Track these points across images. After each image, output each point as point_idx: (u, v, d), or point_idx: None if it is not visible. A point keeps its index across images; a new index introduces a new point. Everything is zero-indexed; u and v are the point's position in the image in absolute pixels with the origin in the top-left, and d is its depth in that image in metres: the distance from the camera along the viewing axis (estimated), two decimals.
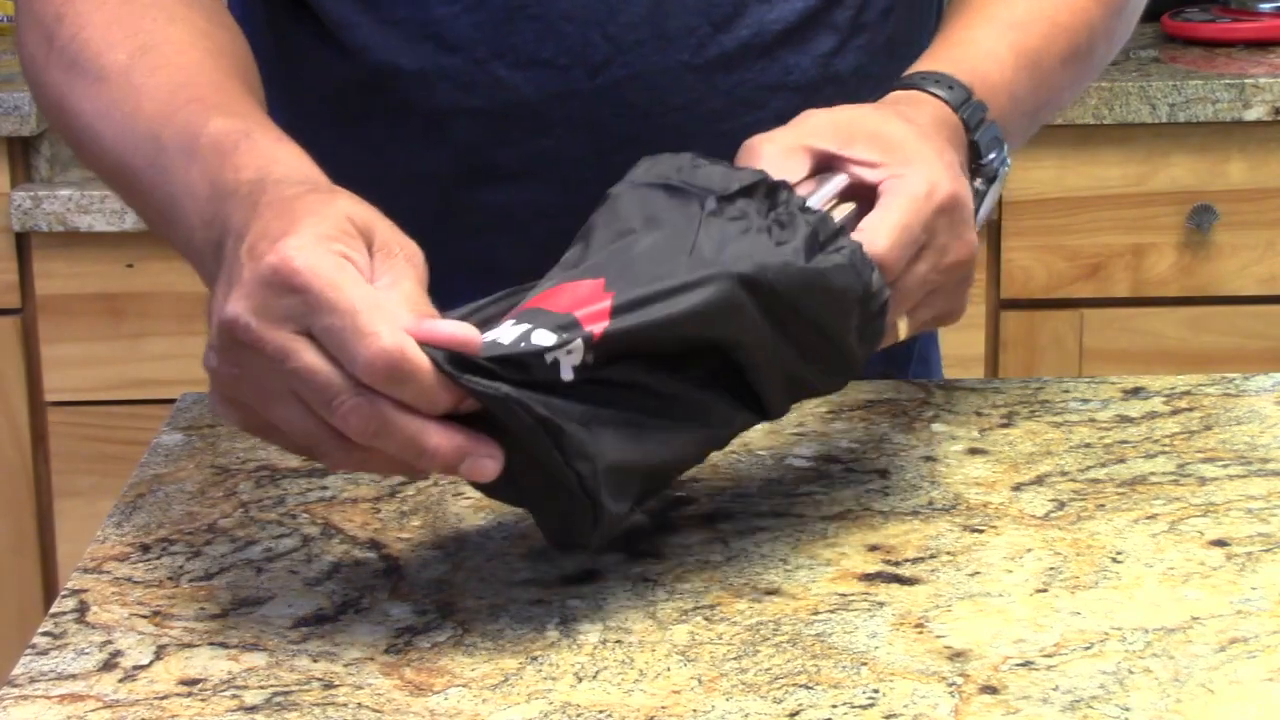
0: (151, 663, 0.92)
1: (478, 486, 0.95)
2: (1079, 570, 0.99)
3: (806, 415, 1.18)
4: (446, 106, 1.15)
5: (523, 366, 0.90)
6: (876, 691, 0.88)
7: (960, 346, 2.35)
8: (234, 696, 0.89)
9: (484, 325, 0.92)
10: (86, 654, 0.93)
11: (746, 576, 0.99)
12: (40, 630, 0.95)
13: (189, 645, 0.93)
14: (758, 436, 1.15)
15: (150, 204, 1.05)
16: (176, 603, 0.98)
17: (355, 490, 1.10)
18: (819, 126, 1.04)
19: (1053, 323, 2.45)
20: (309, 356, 0.88)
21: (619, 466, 0.92)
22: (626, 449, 0.93)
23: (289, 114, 1.22)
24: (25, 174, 2.37)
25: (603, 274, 0.93)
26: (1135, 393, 1.22)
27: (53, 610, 0.97)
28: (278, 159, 0.98)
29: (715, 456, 1.05)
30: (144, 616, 0.96)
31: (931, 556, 1.01)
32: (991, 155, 1.11)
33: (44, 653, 0.93)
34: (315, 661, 0.92)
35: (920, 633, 0.93)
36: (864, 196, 1.02)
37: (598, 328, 0.91)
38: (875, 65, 1.20)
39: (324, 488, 1.10)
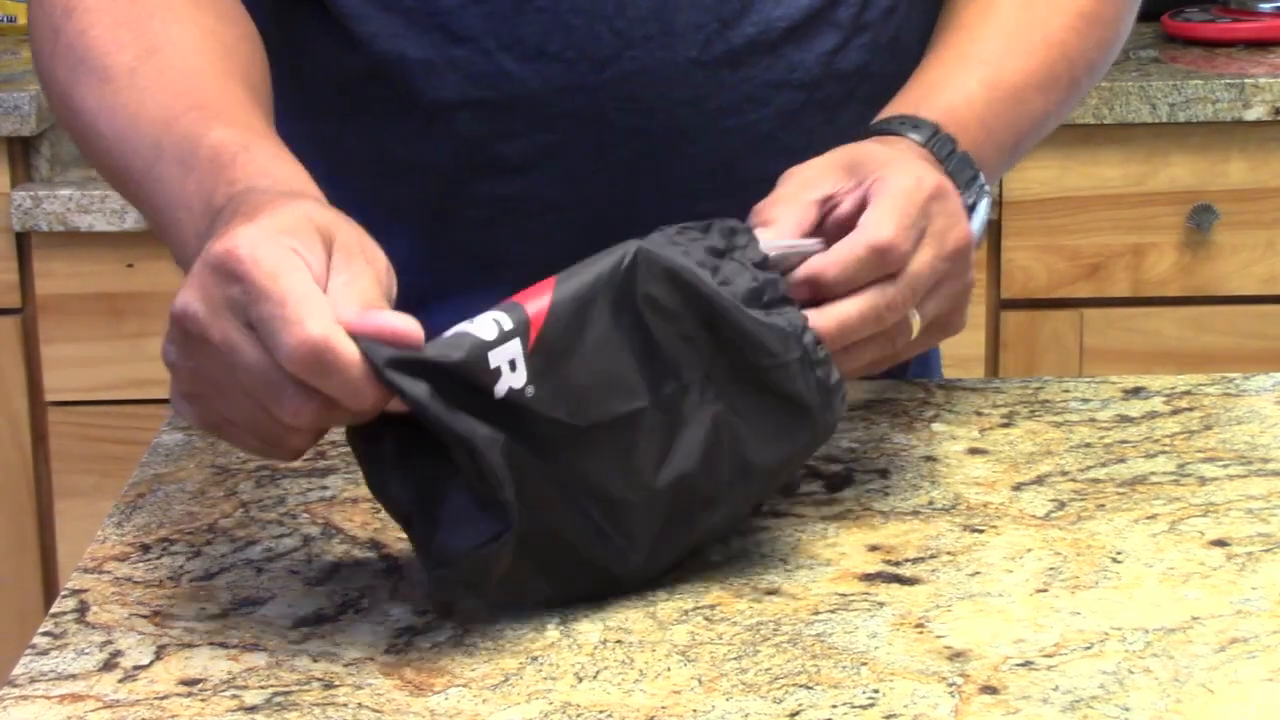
0: (151, 663, 0.92)
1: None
2: (1079, 570, 0.99)
3: None
4: (452, 97, 1.15)
5: (459, 373, 0.89)
6: (876, 691, 0.88)
7: (960, 346, 2.35)
8: (234, 696, 0.89)
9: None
10: (86, 654, 0.93)
11: (746, 576, 0.99)
12: (40, 630, 0.95)
13: (189, 645, 0.93)
14: None
15: (149, 209, 1.05)
16: (176, 603, 0.98)
17: (356, 490, 1.10)
18: (807, 180, 1.06)
19: (1053, 323, 2.45)
20: (251, 349, 0.88)
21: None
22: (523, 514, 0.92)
23: (294, 102, 1.22)
24: (25, 174, 2.37)
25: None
26: (1135, 393, 1.22)
27: (53, 610, 0.97)
28: (269, 172, 0.98)
29: None
30: (144, 616, 0.96)
31: (931, 556, 1.01)
32: (968, 188, 1.12)
33: (44, 653, 0.93)
34: (315, 661, 0.92)
35: (920, 633, 0.93)
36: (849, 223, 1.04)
37: (539, 304, 0.92)
38: (877, 63, 1.20)
39: (324, 488, 1.10)
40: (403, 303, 1.23)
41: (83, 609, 0.97)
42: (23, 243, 2.35)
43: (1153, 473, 1.11)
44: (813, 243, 1.04)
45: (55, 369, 2.38)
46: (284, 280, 0.87)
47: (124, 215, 2.30)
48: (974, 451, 1.14)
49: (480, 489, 0.90)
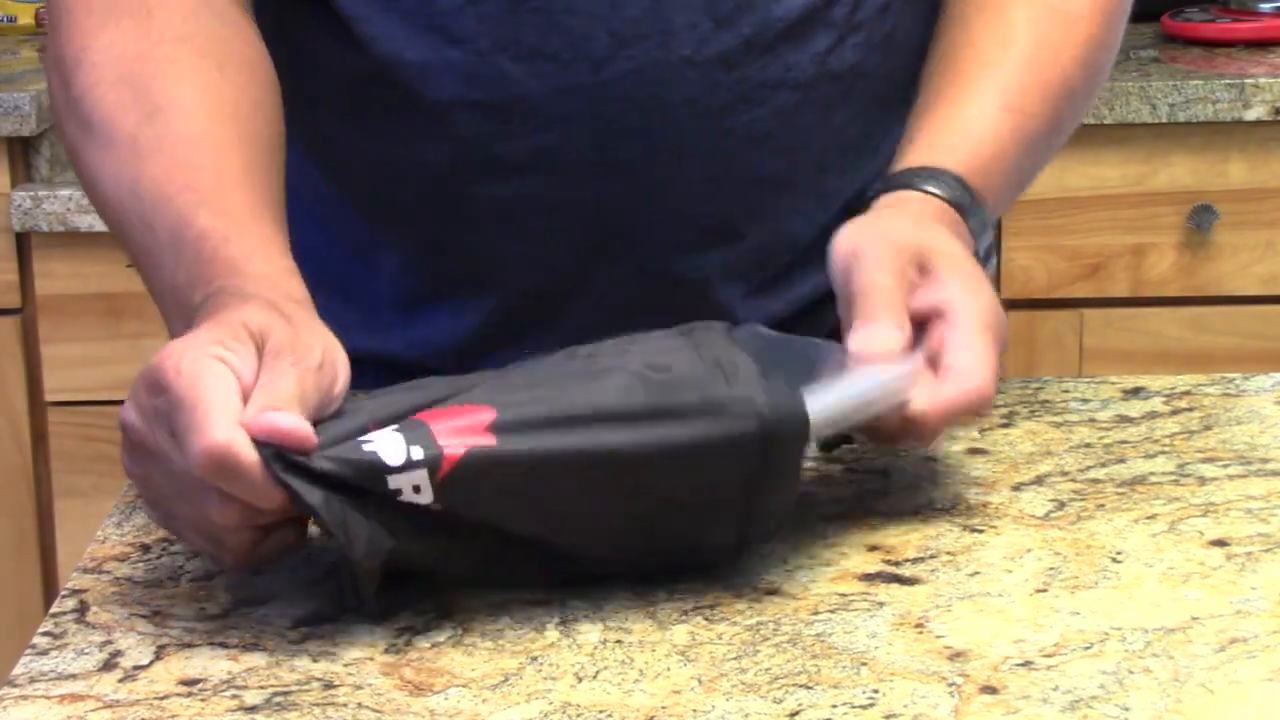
0: (151, 663, 0.92)
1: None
2: (1079, 570, 0.99)
3: None
4: (449, 99, 1.15)
5: (357, 485, 0.90)
6: (876, 691, 0.88)
7: None
8: (234, 696, 0.89)
9: (385, 422, 0.93)
10: (86, 654, 0.93)
11: (746, 576, 0.99)
12: (40, 630, 0.95)
13: (189, 645, 0.93)
14: None
15: (148, 286, 1.08)
16: (176, 603, 0.97)
17: None
18: (886, 275, 1.06)
19: (1053, 323, 2.45)
20: (178, 457, 0.91)
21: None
22: None
23: (294, 102, 1.22)
24: (25, 174, 2.37)
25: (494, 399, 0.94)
26: (1135, 393, 1.22)
27: (53, 610, 0.97)
28: (240, 269, 1.01)
29: None
30: (144, 616, 0.96)
31: (931, 556, 1.01)
32: (980, 237, 1.14)
33: (44, 653, 0.93)
34: (315, 661, 0.92)
35: (920, 633, 0.93)
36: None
37: (458, 446, 0.91)
38: (872, 62, 1.20)
39: None
40: (401, 304, 1.23)
41: (83, 609, 0.97)
42: (23, 243, 2.35)
43: (1152, 473, 1.11)
44: (908, 370, 1.03)
45: (55, 369, 2.38)
46: (198, 388, 0.90)
47: None
48: (974, 451, 1.14)
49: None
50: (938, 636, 0.93)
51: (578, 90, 1.14)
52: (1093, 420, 1.18)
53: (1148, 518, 1.05)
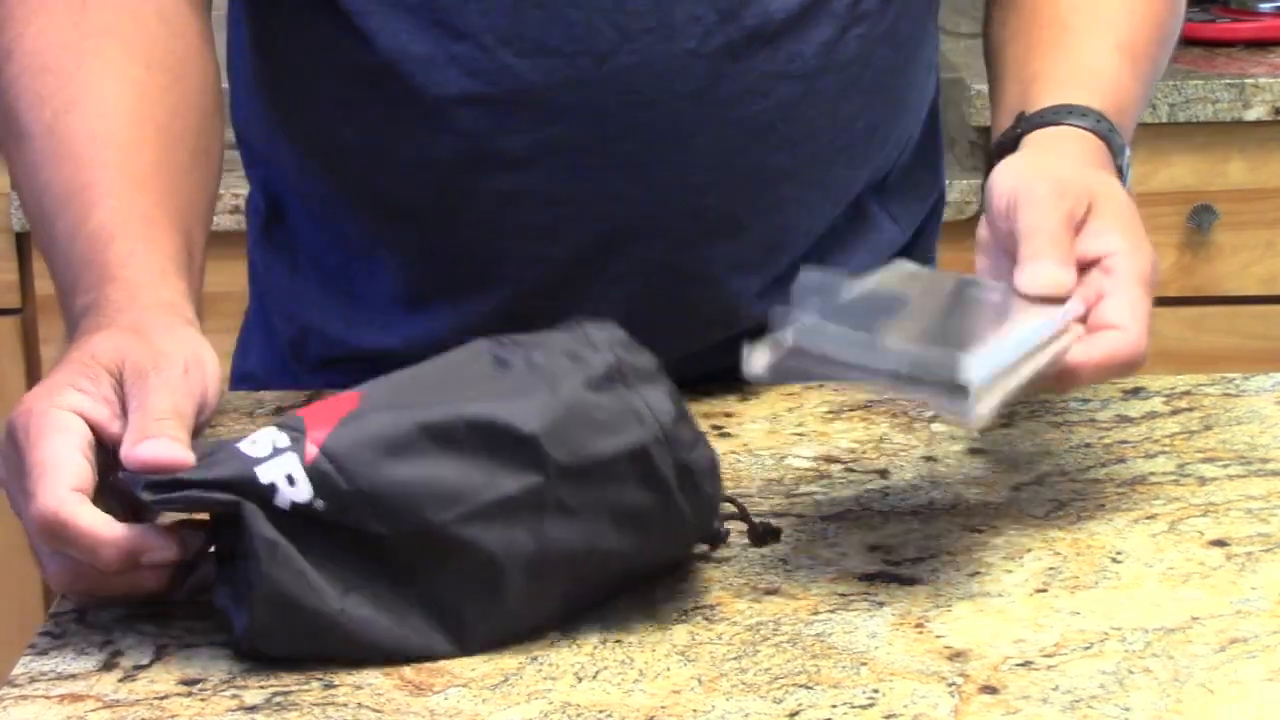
0: (151, 663, 0.92)
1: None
2: (1079, 570, 0.99)
3: (806, 415, 1.18)
4: (453, 93, 1.16)
5: (234, 489, 0.89)
6: (876, 691, 0.88)
7: None
8: (234, 696, 0.89)
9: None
10: (86, 654, 0.93)
11: (746, 576, 0.99)
12: (40, 630, 0.95)
13: (189, 645, 0.93)
14: (758, 436, 1.15)
15: (53, 281, 1.10)
16: (176, 603, 0.97)
17: None
18: (1053, 207, 1.06)
19: None
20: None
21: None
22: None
23: (295, 98, 1.22)
24: None
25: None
26: (1135, 393, 1.22)
27: (53, 610, 0.97)
28: (113, 277, 1.03)
29: None
30: (144, 616, 0.96)
31: (931, 556, 1.01)
32: (1123, 180, 1.15)
33: (44, 653, 0.93)
34: (315, 661, 0.91)
35: (920, 633, 0.93)
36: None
37: (320, 435, 0.90)
38: (875, 53, 1.20)
39: None
40: (403, 300, 1.23)
41: (83, 609, 0.97)
42: (23, 243, 2.35)
43: (1152, 473, 1.11)
44: (1067, 316, 1.02)
45: None
46: (39, 450, 0.92)
47: None
48: (974, 451, 1.14)
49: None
50: (938, 636, 0.93)
51: (581, 84, 1.15)
52: (1093, 420, 1.18)
53: (1148, 518, 1.05)
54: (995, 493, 1.08)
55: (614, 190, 1.16)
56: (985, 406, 0.93)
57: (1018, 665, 0.90)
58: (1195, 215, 2.41)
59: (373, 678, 0.90)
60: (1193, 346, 2.44)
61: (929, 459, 1.12)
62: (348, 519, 0.90)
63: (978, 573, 0.99)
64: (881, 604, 0.96)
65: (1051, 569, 1.00)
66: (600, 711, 0.87)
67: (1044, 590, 0.97)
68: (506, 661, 0.91)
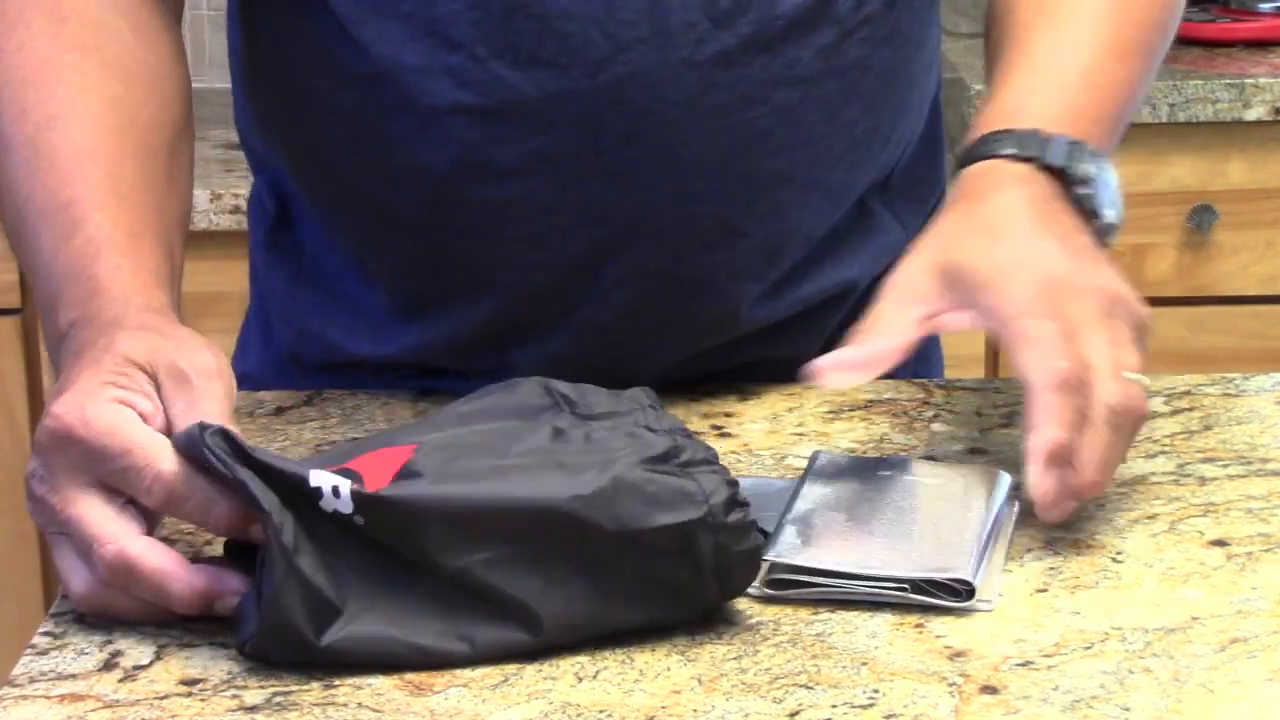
0: (151, 663, 0.92)
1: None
2: (1079, 570, 0.99)
3: (806, 415, 1.18)
4: (447, 103, 1.15)
5: (286, 481, 0.90)
6: (876, 691, 0.88)
7: (960, 346, 2.34)
8: (234, 696, 0.89)
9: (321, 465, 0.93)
10: (86, 654, 0.93)
11: None
12: (40, 630, 0.95)
13: (189, 645, 0.93)
14: (758, 436, 1.15)
15: (36, 295, 1.11)
16: None
17: None
18: (908, 293, 1.07)
19: None
20: (77, 507, 0.95)
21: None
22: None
23: (289, 105, 1.22)
24: None
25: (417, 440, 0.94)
26: None
27: (53, 610, 0.97)
28: (102, 290, 1.04)
29: None
30: None
31: None
32: (1087, 184, 1.17)
33: (44, 653, 0.93)
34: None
35: (920, 633, 0.93)
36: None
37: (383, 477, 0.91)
38: (877, 58, 1.20)
39: None
40: (399, 309, 1.23)
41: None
42: None
43: (1152, 473, 1.11)
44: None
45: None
46: (119, 435, 0.94)
47: None
48: (974, 451, 1.14)
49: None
50: (938, 636, 0.93)
51: (575, 94, 1.14)
52: None
53: (1148, 518, 1.05)
54: None
55: (608, 199, 1.16)
56: (988, 592, 0.97)
57: (1018, 665, 0.90)
58: (1195, 215, 2.41)
59: (373, 678, 0.90)
60: (1192, 346, 2.44)
61: (929, 459, 1.12)
62: (385, 540, 0.91)
63: None
64: (881, 604, 0.96)
65: (1051, 569, 1.00)
66: (600, 711, 0.87)
67: (1044, 590, 0.97)
68: (506, 661, 0.91)
